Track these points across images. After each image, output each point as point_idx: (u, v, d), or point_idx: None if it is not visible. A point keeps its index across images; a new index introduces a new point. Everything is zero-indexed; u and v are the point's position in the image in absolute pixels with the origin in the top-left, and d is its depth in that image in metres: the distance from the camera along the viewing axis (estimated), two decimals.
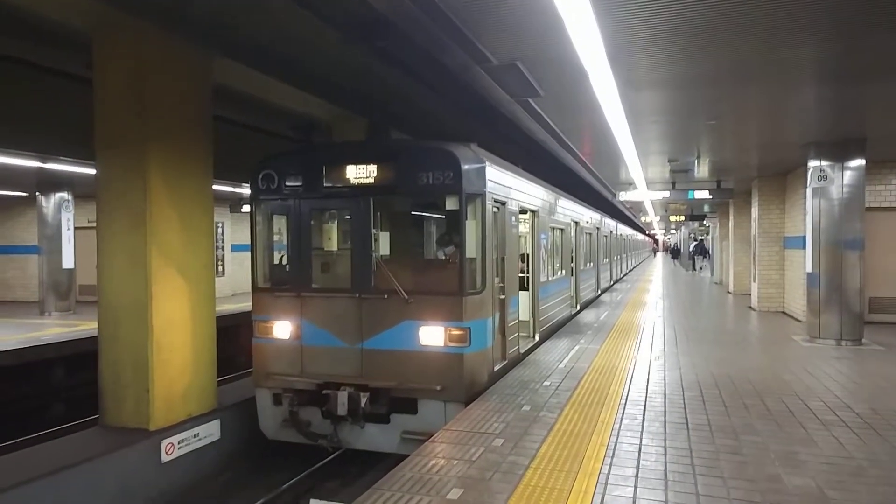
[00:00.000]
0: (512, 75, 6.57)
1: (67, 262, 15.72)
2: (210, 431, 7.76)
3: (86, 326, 12.70)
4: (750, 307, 16.90)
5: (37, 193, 15.64)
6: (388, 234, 8.73)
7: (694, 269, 39.28)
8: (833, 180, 10.69)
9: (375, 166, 7.47)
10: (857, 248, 10.71)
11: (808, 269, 11.15)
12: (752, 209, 17.32)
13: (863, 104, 8.42)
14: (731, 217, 21.72)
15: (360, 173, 7.51)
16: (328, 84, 8.91)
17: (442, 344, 7.16)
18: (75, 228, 16.02)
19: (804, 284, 11.96)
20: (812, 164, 10.90)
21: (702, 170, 14.81)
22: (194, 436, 7.52)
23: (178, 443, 7.29)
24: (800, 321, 13.49)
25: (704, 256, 37.92)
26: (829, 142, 10.67)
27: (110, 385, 7.32)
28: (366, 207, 7.57)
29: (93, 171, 7.70)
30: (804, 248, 11.53)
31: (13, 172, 13.06)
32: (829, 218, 10.75)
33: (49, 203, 15.50)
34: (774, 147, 11.88)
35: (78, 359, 11.43)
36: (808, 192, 11.02)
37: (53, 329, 12.91)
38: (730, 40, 5.65)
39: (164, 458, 7.10)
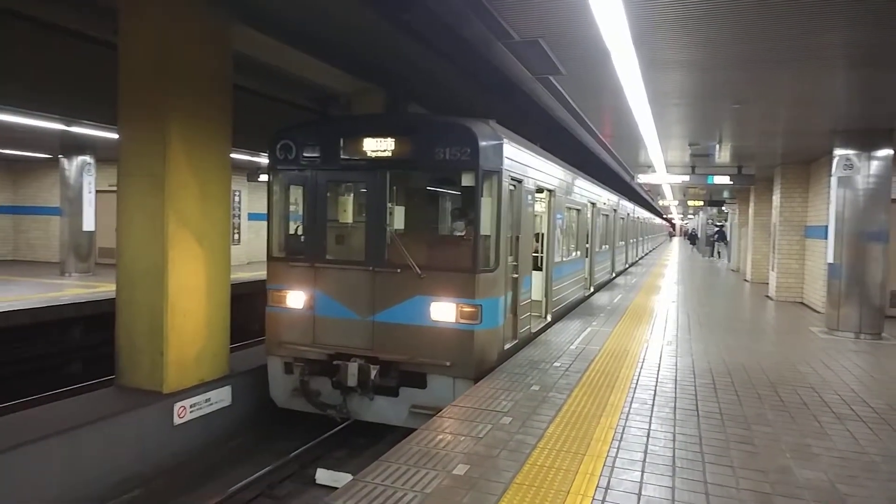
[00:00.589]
0: (533, 52, 6.46)
1: (88, 224, 15.88)
2: (221, 397, 7.85)
3: (104, 288, 12.85)
4: (767, 296, 16.75)
5: (60, 156, 15.76)
6: (403, 208, 8.70)
7: (713, 255, 39.01)
8: (859, 170, 10.50)
9: (393, 140, 7.42)
10: (882, 241, 10.52)
11: (830, 259, 10.99)
12: (774, 197, 17.07)
13: (892, 93, 8.22)
14: (752, 204, 21.43)
15: (377, 146, 7.47)
16: (348, 55, 8.85)
17: (453, 320, 7.16)
18: (96, 191, 16.16)
19: (824, 275, 11.80)
20: (838, 152, 10.71)
21: (723, 155, 14.60)
22: (206, 400, 7.62)
23: (191, 406, 7.39)
24: (818, 312, 13.34)
25: (724, 243, 37.62)
26: (857, 130, 10.46)
27: (126, 347, 7.43)
28: (382, 181, 7.54)
29: (115, 136, 7.73)
30: (826, 238, 11.36)
31: (38, 134, 13.19)
32: (853, 208, 10.57)
33: (71, 166, 15.62)
34: (800, 134, 11.66)
35: (96, 320, 11.59)
36: (833, 181, 10.83)
37: (73, 290, 13.08)
38: (760, 23, 5.51)
39: (177, 420, 7.20)
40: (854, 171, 10.52)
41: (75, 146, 15.33)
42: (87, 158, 15.67)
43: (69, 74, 8.90)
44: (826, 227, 11.48)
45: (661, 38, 6.03)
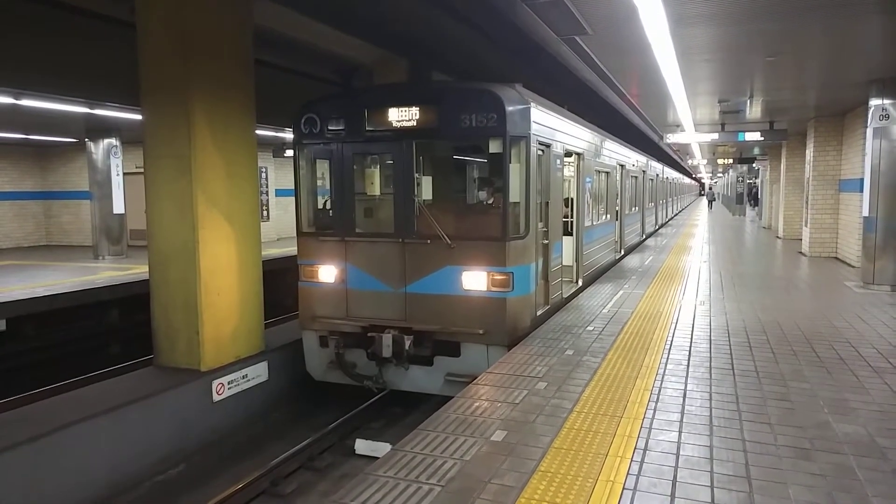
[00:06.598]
0: (559, 12, 6.34)
1: (118, 207, 16.07)
2: (258, 373, 7.98)
3: (138, 270, 13.07)
4: (800, 252, 16.47)
5: (86, 140, 15.90)
6: (430, 178, 8.66)
7: (744, 213, 38.84)
8: (895, 120, 10.20)
9: (417, 109, 7.35)
10: None
11: (865, 212, 10.76)
12: (807, 151, 16.69)
13: None
14: (783, 159, 20.99)
15: (402, 116, 7.41)
16: (369, 24, 8.74)
17: (485, 288, 7.16)
18: (124, 174, 16.31)
19: (859, 229, 11.57)
20: (874, 102, 10.42)
21: (754, 110, 14.28)
22: (243, 377, 7.75)
23: (228, 383, 7.53)
24: (853, 266, 13.11)
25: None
26: (893, 79, 10.14)
27: (163, 327, 7.56)
28: (408, 151, 7.49)
29: (139, 117, 7.77)
30: (861, 191, 11.11)
31: (63, 118, 13.27)
32: (889, 159, 10.30)
33: (98, 149, 15.75)
34: (835, 85, 11.34)
35: (132, 301, 11.81)
36: (869, 132, 10.56)
37: (107, 272, 13.32)
38: None
39: (216, 397, 7.35)
40: (890, 121, 10.24)
41: (101, 129, 15.40)
42: (114, 141, 15.77)
43: (90, 56, 8.92)
44: (861, 179, 11.24)
45: None
